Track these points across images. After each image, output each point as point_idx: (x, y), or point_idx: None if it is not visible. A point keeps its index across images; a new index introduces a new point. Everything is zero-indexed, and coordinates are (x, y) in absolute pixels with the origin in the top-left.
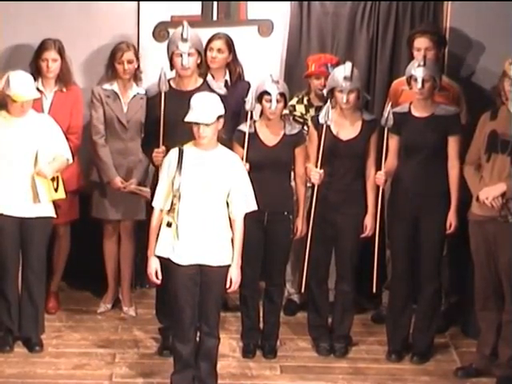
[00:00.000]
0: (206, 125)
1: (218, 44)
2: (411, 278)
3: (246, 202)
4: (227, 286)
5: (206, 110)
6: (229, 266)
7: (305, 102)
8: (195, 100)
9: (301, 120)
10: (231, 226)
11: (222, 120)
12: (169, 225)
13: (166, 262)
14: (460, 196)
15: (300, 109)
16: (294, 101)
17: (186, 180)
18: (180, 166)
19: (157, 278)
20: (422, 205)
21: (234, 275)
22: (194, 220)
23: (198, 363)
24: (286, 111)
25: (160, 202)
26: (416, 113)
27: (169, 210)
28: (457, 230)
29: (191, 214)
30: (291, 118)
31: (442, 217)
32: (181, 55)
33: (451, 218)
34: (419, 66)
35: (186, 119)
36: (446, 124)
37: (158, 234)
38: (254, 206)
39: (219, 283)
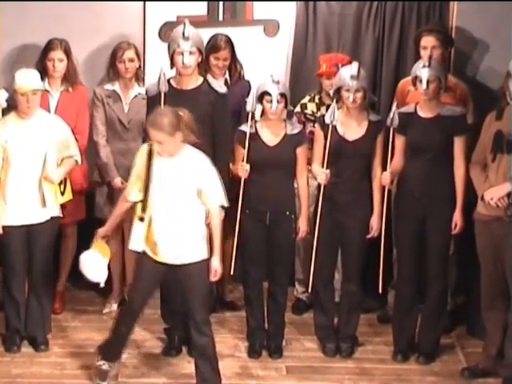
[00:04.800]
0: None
1: (225, 54)
2: (417, 278)
3: (219, 195)
4: (212, 276)
5: None
6: (205, 260)
7: (316, 100)
8: None
9: (312, 118)
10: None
11: (179, 133)
12: (141, 219)
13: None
14: (466, 196)
15: (311, 107)
16: (305, 99)
17: (155, 181)
18: (150, 164)
19: None
20: (428, 205)
21: (217, 266)
22: (165, 221)
23: (196, 362)
24: (297, 109)
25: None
26: (422, 113)
27: (142, 209)
28: (463, 230)
29: (162, 214)
30: (302, 116)
31: (448, 217)
32: (182, 54)
33: (457, 218)
34: (424, 66)
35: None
36: (452, 124)
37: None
38: (226, 203)
39: (198, 279)
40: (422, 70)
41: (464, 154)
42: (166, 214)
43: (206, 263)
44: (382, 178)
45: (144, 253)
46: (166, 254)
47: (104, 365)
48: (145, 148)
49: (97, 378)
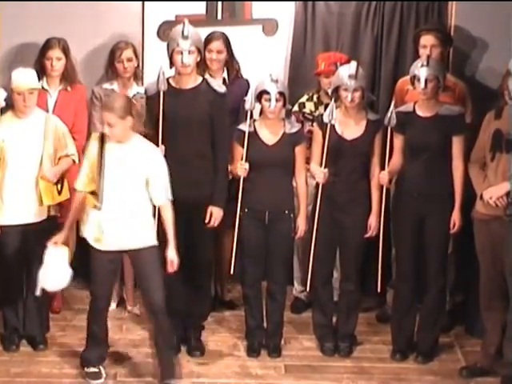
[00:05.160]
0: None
1: (217, 45)
2: (416, 278)
3: (164, 187)
4: (169, 267)
5: None
6: (154, 246)
7: (314, 99)
8: None
9: (310, 117)
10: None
11: (129, 118)
12: (95, 207)
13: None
14: (464, 195)
15: (309, 106)
16: (303, 98)
17: (107, 169)
18: (103, 152)
19: None
20: (427, 204)
21: (173, 256)
22: (113, 209)
23: (155, 344)
24: (295, 108)
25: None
26: (420, 112)
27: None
28: (461, 229)
29: (111, 202)
30: (301, 115)
31: (446, 216)
32: (181, 53)
33: (455, 218)
34: (422, 65)
35: None
36: (450, 124)
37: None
38: (170, 196)
39: (148, 263)
40: (420, 70)
41: (462, 154)
42: (114, 202)
43: (156, 250)
44: (380, 177)
45: (92, 247)
46: (111, 241)
47: (91, 369)
48: (96, 136)
49: (90, 380)
